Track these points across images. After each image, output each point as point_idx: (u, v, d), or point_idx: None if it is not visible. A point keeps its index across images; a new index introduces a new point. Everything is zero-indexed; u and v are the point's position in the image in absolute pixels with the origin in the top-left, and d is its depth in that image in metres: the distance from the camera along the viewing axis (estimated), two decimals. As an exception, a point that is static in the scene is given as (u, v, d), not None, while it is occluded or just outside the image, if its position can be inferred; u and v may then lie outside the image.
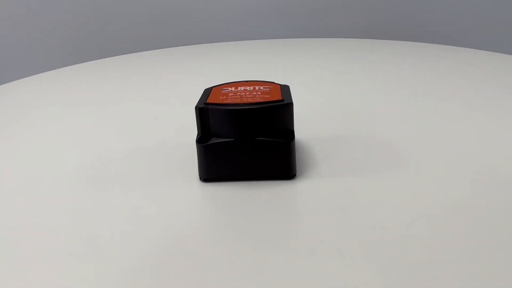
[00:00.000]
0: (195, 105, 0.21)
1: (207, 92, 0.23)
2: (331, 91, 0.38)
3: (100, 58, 0.74)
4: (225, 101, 0.21)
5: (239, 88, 0.23)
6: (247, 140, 0.21)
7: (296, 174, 0.22)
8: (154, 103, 0.37)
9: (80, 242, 0.18)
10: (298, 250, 0.17)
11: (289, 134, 0.21)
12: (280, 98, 0.21)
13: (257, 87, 0.23)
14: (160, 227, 0.19)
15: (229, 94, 0.22)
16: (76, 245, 0.18)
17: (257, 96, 0.21)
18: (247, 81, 0.24)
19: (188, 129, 0.30)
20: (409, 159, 0.24)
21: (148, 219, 0.19)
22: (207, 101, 0.21)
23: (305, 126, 0.29)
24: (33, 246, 0.18)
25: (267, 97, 0.21)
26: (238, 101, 0.21)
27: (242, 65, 0.50)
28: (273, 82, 0.24)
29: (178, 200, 0.21)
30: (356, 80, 0.41)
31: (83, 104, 0.38)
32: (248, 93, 0.22)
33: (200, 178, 0.22)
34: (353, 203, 0.20)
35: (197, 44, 0.78)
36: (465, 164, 0.23)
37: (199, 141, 0.21)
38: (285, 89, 0.23)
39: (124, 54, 0.79)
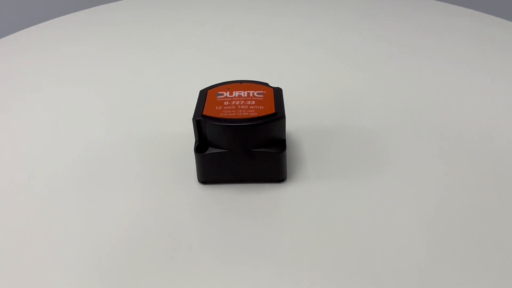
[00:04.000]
0: (192, 117, 0.23)
1: (203, 97, 0.24)
2: (320, 68, 0.38)
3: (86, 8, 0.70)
4: (221, 114, 0.22)
5: (234, 93, 0.24)
6: (242, 151, 0.22)
7: (286, 177, 0.24)
8: (150, 79, 0.37)
9: (75, 244, 0.20)
10: (281, 252, 0.19)
11: (281, 143, 0.23)
12: (273, 111, 0.22)
13: (251, 93, 0.24)
14: (158, 228, 0.21)
15: (225, 103, 0.23)
16: (72, 247, 0.20)
17: (251, 107, 0.23)
18: (241, 82, 0.25)
19: (186, 115, 0.31)
20: (399, 156, 0.26)
21: (145, 220, 0.21)
22: (203, 113, 0.22)
23: (293, 114, 0.31)
24: (29, 252, 0.20)
25: (261, 109, 0.22)
26: (234, 114, 0.22)
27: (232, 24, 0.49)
28: (267, 84, 0.25)
29: (177, 201, 0.23)
30: (350, 52, 0.41)
31: (68, 77, 0.38)
32: (242, 102, 0.23)
33: (199, 180, 0.24)
34: (337, 208, 0.22)
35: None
36: (462, 162, 0.25)
37: (197, 150, 0.23)
38: (277, 95, 0.24)
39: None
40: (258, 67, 0.38)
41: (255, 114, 0.22)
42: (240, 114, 0.22)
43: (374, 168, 0.25)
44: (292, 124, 0.29)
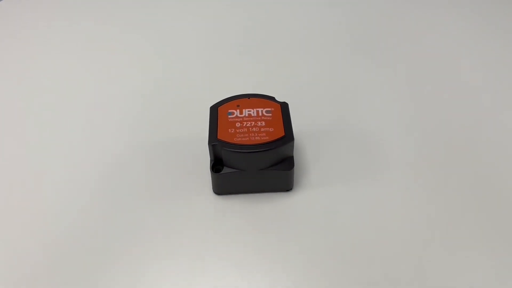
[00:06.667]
0: (207, 141, 0.24)
1: (214, 115, 0.26)
2: (318, 66, 0.39)
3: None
4: (234, 138, 0.24)
5: (244, 112, 0.25)
6: (255, 170, 0.24)
7: (293, 186, 0.27)
8: (153, 77, 0.37)
9: (89, 249, 0.23)
10: (292, 256, 0.23)
11: (289, 160, 0.25)
12: (283, 134, 0.24)
13: (260, 111, 0.25)
14: (174, 235, 0.24)
15: (236, 125, 0.25)
16: (87, 252, 0.23)
17: (262, 129, 0.24)
18: (249, 98, 0.26)
19: (196, 117, 0.32)
20: (402, 158, 0.28)
21: (163, 227, 0.24)
22: (218, 137, 0.24)
23: (293, 116, 0.32)
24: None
25: (271, 132, 0.24)
26: (247, 139, 0.24)
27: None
28: (273, 98, 0.27)
29: (193, 210, 0.25)
30: (347, 46, 0.42)
31: (65, 73, 0.38)
32: (253, 123, 0.25)
33: (214, 192, 0.26)
34: (342, 214, 0.25)
35: None
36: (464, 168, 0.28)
37: (213, 169, 0.25)
38: (285, 112, 0.26)
39: None
40: (256, 69, 0.38)
41: (266, 139, 0.24)
42: (253, 138, 0.24)
43: (376, 171, 0.28)
44: (295, 124, 0.31)
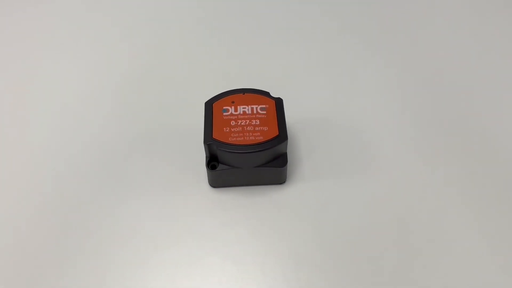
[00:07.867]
0: (202, 141, 0.25)
1: (209, 112, 0.26)
2: (313, 55, 0.38)
3: None
4: (229, 138, 0.24)
5: (238, 109, 0.26)
6: (249, 167, 0.25)
7: (286, 179, 0.28)
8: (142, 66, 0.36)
9: (86, 244, 0.24)
10: (283, 248, 0.24)
11: (283, 156, 0.26)
12: (277, 134, 0.25)
13: (254, 109, 0.26)
14: (169, 228, 0.25)
15: (231, 123, 0.25)
16: (83, 247, 0.24)
17: (257, 128, 0.25)
18: (243, 93, 0.27)
19: (190, 105, 0.32)
20: (395, 152, 0.29)
21: (160, 218, 0.25)
22: (213, 137, 0.24)
23: (289, 106, 0.32)
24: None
25: (266, 131, 0.25)
26: (241, 139, 0.24)
27: None
28: (268, 94, 0.27)
29: (188, 202, 0.26)
30: (343, 37, 0.40)
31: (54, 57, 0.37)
32: (247, 121, 0.25)
33: (209, 185, 0.27)
34: (333, 206, 0.26)
35: None
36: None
37: (209, 166, 0.25)
38: (279, 109, 0.26)
39: None
40: (250, 60, 0.37)
41: (261, 139, 0.24)
42: (247, 138, 0.24)
43: (368, 165, 0.28)
44: (289, 116, 0.31)
